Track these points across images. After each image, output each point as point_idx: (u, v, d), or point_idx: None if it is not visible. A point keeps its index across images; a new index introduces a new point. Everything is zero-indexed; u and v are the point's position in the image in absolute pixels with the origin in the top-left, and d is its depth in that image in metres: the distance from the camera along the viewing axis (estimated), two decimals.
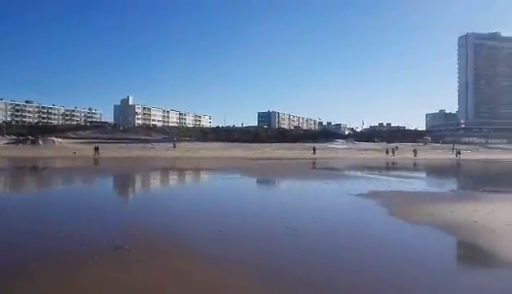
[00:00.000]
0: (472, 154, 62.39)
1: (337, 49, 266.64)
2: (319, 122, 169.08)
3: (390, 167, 33.65)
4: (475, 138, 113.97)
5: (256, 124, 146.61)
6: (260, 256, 6.13)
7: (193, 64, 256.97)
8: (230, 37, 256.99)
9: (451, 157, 52.16)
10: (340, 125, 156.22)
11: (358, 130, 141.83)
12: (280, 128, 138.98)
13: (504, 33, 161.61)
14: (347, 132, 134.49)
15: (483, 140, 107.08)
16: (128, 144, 70.06)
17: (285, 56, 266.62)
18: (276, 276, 5.18)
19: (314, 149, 56.33)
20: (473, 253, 6.68)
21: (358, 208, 11.04)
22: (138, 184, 19.71)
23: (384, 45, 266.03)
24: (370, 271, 5.47)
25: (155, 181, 21.27)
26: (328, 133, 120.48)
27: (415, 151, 55.87)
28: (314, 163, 36.59)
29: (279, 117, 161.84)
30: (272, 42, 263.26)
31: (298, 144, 78.82)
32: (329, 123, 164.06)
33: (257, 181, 20.74)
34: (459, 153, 53.44)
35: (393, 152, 55.98)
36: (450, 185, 19.82)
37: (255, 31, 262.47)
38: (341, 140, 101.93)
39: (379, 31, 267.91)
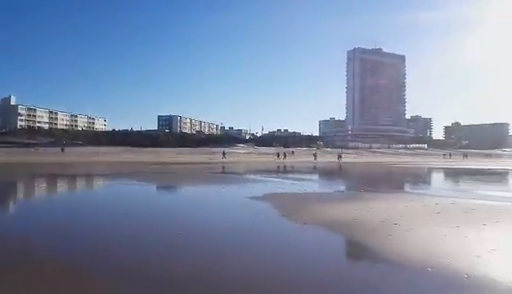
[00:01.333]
0: (357, 158, 68.54)
1: (238, 57, 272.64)
2: (221, 127, 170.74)
3: (285, 170, 35.12)
4: (361, 143, 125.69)
5: (156, 128, 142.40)
6: (149, 263, 5.73)
7: (87, 60, 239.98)
8: (130, 35, 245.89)
9: (336, 160, 56.38)
10: (242, 130, 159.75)
11: (258, 135, 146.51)
12: (181, 132, 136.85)
13: (385, 50, 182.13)
14: (247, 137, 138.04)
15: (367, 145, 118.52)
16: (8, 149, 62.56)
17: (186, 59, 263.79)
18: (158, 278, 4.87)
19: (224, 154, 56.45)
20: (353, 248, 7.17)
21: (251, 211, 11.16)
22: None
23: (284, 55, 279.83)
24: (257, 269, 5.48)
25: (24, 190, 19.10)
26: (230, 138, 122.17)
27: (315, 155, 59.59)
28: (214, 167, 36.56)
29: (181, 121, 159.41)
30: (175, 45, 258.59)
31: (200, 148, 78.39)
32: (231, 128, 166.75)
33: (152, 187, 19.91)
34: (340, 156, 58.25)
35: (285, 155, 58.71)
36: (336, 186, 21.28)
37: (159, 28, 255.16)
38: (242, 145, 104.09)
39: (278, 43, 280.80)
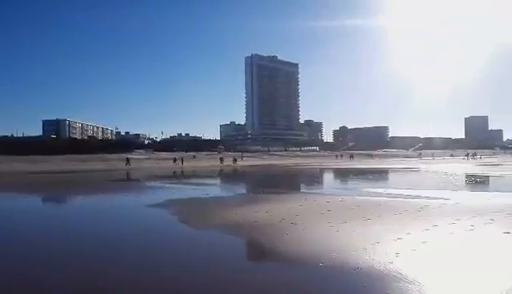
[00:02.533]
0: (256, 161, 70.67)
1: (133, 57, 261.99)
2: (116, 132, 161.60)
3: (186, 176, 34.67)
4: (260, 146, 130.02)
5: (41, 134, 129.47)
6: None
7: None
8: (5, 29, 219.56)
9: (232, 164, 57.22)
10: (139, 135, 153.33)
11: (158, 139, 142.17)
12: (71, 138, 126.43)
13: (280, 57, 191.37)
14: (146, 142, 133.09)
15: (266, 148, 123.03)
16: None
17: (70, 58, 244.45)
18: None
19: (128, 160, 53.03)
20: (252, 249, 7.41)
21: (151, 218, 10.83)
22: None
23: (182, 57, 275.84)
24: (152, 274, 5.31)
25: None
26: (127, 143, 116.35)
27: (221, 159, 59.26)
28: (113, 175, 34.48)
29: (70, 125, 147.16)
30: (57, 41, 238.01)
31: (94, 155, 73.13)
32: (127, 133, 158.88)
33: (43, 199, 18.04)
34: (235, 160, 59.51)
35: (182, 161, 57.72)
36: (236, 190, 21.68)
37: (42, 24, 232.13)
38: (140, 150, 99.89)
39: (177, 44, 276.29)
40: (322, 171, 40.59)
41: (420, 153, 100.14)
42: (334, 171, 39.23)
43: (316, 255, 6.32)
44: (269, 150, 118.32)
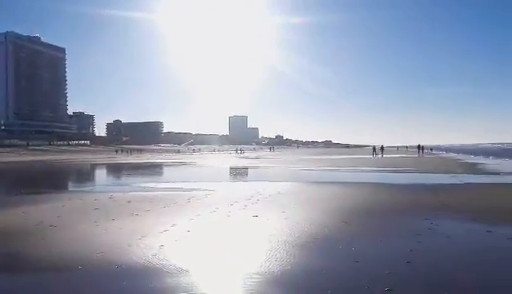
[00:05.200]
0: (12, 157, 60.43)
1: None
2: None
3: None
4: (18, 140, 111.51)
5: None
6: None
7: None
8: None
9: None
10: None
11: None
12: None
13: (44, 39, 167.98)
14: None
15: (25, 142, 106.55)
16: None
17: None
18: None
19: None
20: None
21: None
22: None
23: None
24: None
25: None
26: None
27: None
28: None
29: None
30: None
31: None
32: None
33: None
34: None
35: None
36: None
37: None
38: None
39: None
40: (93, 167, 38.14)
41: (194, 149, 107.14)
42: (106, 167, 37.45)
43: (77, 257, 5.82)
44: (29, 144, 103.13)
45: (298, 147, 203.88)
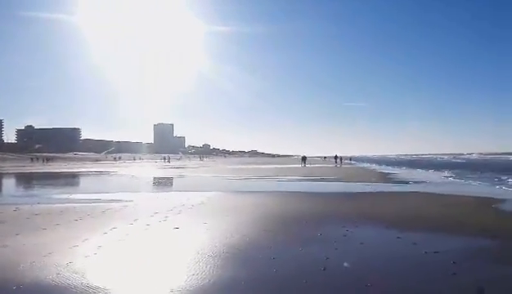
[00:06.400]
0: None
1: None
2: None
3: None
4: None
5: None
6: None
7: None
8: None
9: None
10: None
11: None
12: None
13: None
14: None
15: None
16: None
17: None
18: None
19: None
20: None
21: None
22: None
23: None
24: None
25: None
26: None
27: None
28: None
29: None
30: None
31: None
32: None
33: None
34: None
35: None
36: None
37: None
38: None
39: None
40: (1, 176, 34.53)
41: (115, 157, 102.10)
42: (15, 177, 34.11)
43: None
44: None
45: (225, 156, 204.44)
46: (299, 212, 10.86)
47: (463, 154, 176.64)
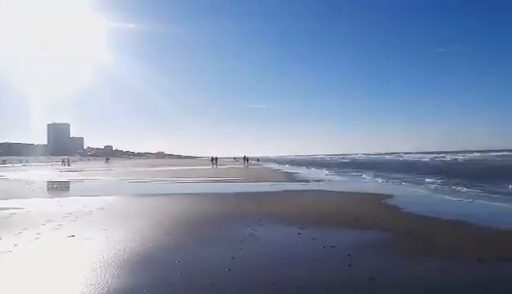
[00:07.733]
0: None
1: None
2: None
3: None
4: None
5: None
6: None
7: None
8: None
9: None
10: None
11: None
12: None
13: None
14: None
15: None
16: None
17: None
18: None
19: None
20: None
21: None
22: None
23: None
24: None
25: None
26: None
27: None
28: None
29: None
30: None
31: None
32: None
33: None
34: None
35: None
36: None
37: None
38: None
39: None
40: None
41: (5, 160, 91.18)
42: None
43: None
44: None
45: (130, 158, 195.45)
46: (206, 214, 10.82)
47: (352, 154, 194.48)
